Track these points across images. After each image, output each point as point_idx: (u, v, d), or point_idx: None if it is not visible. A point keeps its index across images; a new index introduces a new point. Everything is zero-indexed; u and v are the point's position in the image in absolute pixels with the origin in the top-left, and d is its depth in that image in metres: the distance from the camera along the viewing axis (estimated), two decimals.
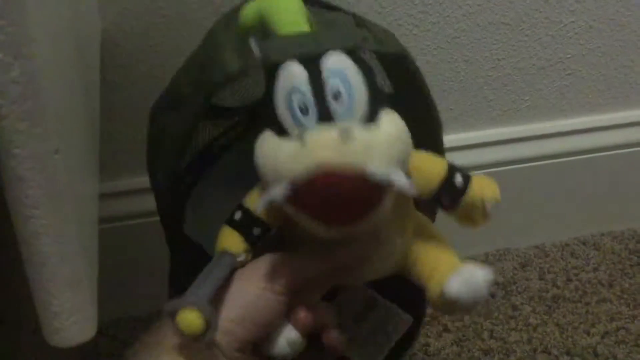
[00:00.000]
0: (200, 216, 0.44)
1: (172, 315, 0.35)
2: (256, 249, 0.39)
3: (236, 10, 0.40)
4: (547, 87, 0.74)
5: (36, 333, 0.32)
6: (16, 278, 0.37)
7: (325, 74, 0.34)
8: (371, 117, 0.34)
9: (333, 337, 0.40)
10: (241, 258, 0.38)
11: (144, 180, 0.65)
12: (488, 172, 0.72)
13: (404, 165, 0.35)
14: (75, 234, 0.31)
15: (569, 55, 0.72)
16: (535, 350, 0.66)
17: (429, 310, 0.56)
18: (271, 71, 0.35)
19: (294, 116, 0.34)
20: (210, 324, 0.34)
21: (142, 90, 0.61)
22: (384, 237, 0.38)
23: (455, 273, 0.37)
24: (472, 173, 0.38)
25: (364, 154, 0.33)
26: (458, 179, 0.38)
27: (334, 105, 0.33)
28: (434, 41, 0.67)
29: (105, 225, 0.62)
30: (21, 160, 0.27)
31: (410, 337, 0.48)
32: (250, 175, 0.38)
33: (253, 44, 0.35)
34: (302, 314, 0.38)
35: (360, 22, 0.40)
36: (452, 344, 0.66)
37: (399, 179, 0.33)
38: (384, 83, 0.42)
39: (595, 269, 0.77)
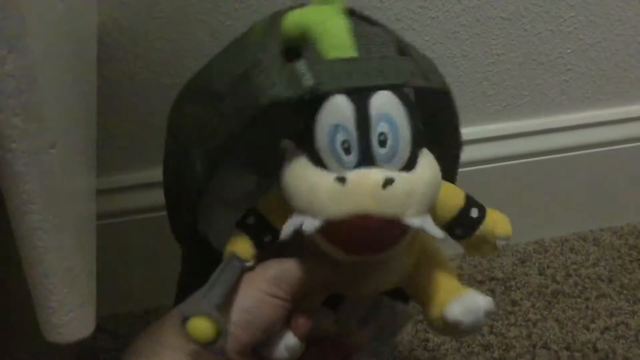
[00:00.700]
0: (205, 209, 0.43)
1: (184, 321, 0.35)
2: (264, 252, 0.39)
3: (279, 14, 0.38)
4: (546, 82, 0.74)
5: (33, 330, 0.32)
6: (12, 275, 0.37)
7: (373, 115, 0.34)
8: (411, 161, 0.35)
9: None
10: (249, 263, 0.38)
11: (141, 176, 0.65)
12: (487, 168, 0.73)
13: (432, 204, 0.36)
14: (72, 230, 0.31)
15: (568, 51, 0.72)
16: (534, 346, 0.66)
17: None
18: (316, 98, 0.34)
19: (334, 153, 0.34)
20: (221, 332, 0.34)
21: (139, 86, 0.60)
22: (391, 255, 0.39)
23: (456, 298, 0.38)
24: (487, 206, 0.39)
25: (402, 203, 0.33)
26: (474, 212, 0.38)
27: (378, 150, 0.34)
28: (433, 36, 0.67)
29: (103, 221, 0.62)
30: (17, 155, 0.27)
31: None
32: (258, 167, 0.38)
33: (304, 69, 0.34)
34: (301, 320, 0.38)
35: (402, 46, 0.39)
36: (451, 339, 0.66)
37: (431, 228, 0.34)
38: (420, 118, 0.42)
39: (594, 265, 0.77)
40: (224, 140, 0.36)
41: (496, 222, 0.39)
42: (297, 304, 0.38)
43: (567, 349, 0.66)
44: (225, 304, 0.36)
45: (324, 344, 0.42)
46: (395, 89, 0.35)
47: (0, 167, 0.27)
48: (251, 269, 0.38)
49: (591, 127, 0.77)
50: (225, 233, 0.39)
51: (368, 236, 0.34)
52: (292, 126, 0.36)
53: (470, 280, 0.74)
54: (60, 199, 0.29)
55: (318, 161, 0.34)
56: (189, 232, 0.42)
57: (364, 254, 0.36)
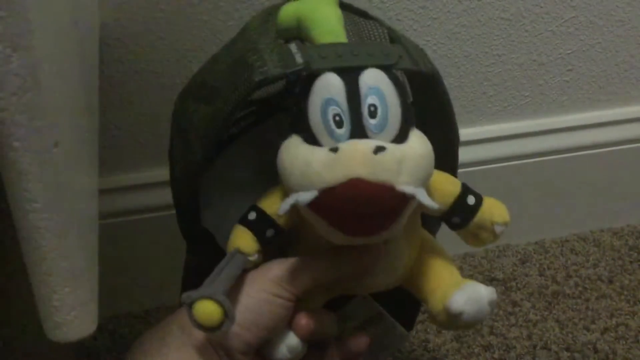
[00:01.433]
0: (208, 205, 0.44)
1: (189, 306, 0.34)
2: (267, 249, 0.39)
3: (274, 8, 0.40)
4: (547, 83, 0.74)
5: (33, 329, 0.32)
6: (13, 274, 0.37)
7: (363, 89, 0.35)
8: (402, 135, 0.35)
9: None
10: (253, 258, 0.38)
11: (143, 176, 0.65)
12: (488, 169, 0.73)
13: (426, 183, 0.36)
14: (75, 228, 0.31)
15: (569, 51, 0.72)
16: (535, 347, 0.66)
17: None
18: (307, 79, 0.35)
19: (327, 127, 0.35)
20: (227, 315, 0.34)
21: (140, 85, 0.60)
22: (391, 251, 0.39)
23: (459, 289, 0.38)
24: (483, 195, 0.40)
25: (394, 171, 0.33)
26: (470, 199, 0.39)
27: (368, 121, 0.34)
28: (434, 37, 0.67)
29: (105, 221, 0.62)
30: (21, 153, 0.27)
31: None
32: (259, 166, 0.38)
33: (295, 50, 0.35)
34: (304, 321, 0.39)
35: (394, 36, 0.40)
36: (451, 340, 0.66)
37: (424, 197, 0.34)
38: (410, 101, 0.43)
39: (595, 265, 0.77)
40: (222, 123, 0.37)
41: (493, 209, 0.39)
42: (299, 305, 0.39)
43: (568, 349, 0.66)
44: (229, 299, 0.36)
45: (325, 347, 0.42)
46: (384, 69, 0.35)
47: (3, 166, 0.27)
48: (256, 264, 0.38)
49: (592, 127, 0.77)
50: (233, 223, 0.40)
51: (361, 203, 0.33)
52: (289, 107, 0.37)
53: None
54: (63, 197, 0.29)
55: (312, 139, 0.35)
56: (193, 227, 0.43)
57: (362, 232, 0.35)
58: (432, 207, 0.34)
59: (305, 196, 0.33)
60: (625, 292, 0.73)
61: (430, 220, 0.43)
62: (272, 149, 0.37)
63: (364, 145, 0.33)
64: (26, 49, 0.25)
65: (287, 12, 0.38)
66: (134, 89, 0.60)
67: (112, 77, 0.59)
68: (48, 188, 0.28)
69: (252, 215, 0.39)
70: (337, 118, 0.34)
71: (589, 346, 0.66)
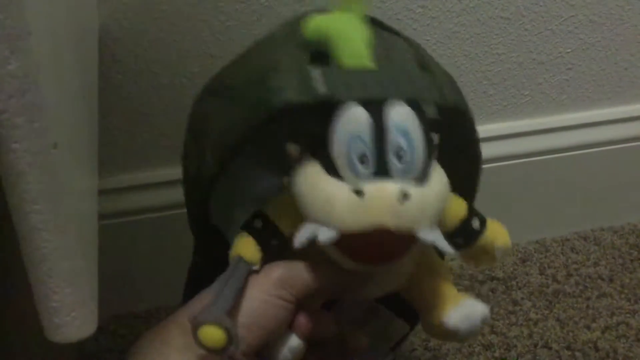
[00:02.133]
0: (221, 204, 0.44)
1: (194, 329, 0.35)
2: (270, 256, 0.39)
3: (299, 19, 0.39)
4: (547, 82, 0.74)
5: (33, 330, 0.32)
6: (12, 274, 0.37)
7: (389, 127, 0.34)
8: (424, 173, 0.35)
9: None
10: (256, 267, 0.38)
11: (143, 176, 0.65)
12: (488, 167, 0.73)
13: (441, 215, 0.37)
14: (74, 229, 0.31)
15: (569, 50, 0.72)
16: (535, 345, 0.66)
17: None
18: (332, 106, 0.34)
19: (350, 162, 0.34)
20: (231, 339, 0.35)
21: (140, 86, 0.60)
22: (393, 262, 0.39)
23: (457, 305, 0.39)
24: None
25: (417, 218, 0.34)
26: (475, 223, 0.39)
27: (393, 162, 0.34)
28: (433, 36, 0.67)
29: (104, 222, 0.62)
30: (19, 154, 0.26)
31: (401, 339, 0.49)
32: (279, 167, 0.38)
33: (317, 76, 0.34)
34: (304, 321, 0.39)
35: (422, 60, 0.39)
36: None
37: (442, 244, 0.35)
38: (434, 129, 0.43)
39: (595, 264, 0.77)
40: (237, 138, 0.36)
41: (496, 233, 0.39)
42: (298, 305, 0.39)
43: (568, 348, 0.66)
44: (233, 316, 0.36)
45: (324, 346, 0.42)
46: (410, 103, 0.35)
47: (2, 167, 0.27)
48: (257, 271, 0.38)
49: (592, 126, 0.77)
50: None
51: (382, 249, 0.34)
52: (309, 130, 0.37)
53: (471, 280, 0.74)
54: (62, 199, 0.29)
55: (332, 170, 0.35)
56: (201, 225, 0.43)
57: (372, 263, 0.36)
58: (448, 253, 0.35)
59: (325, 235, 0.34)
60: (626, 291, 0.73)
61: None
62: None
63: (389, 193, 0.33)
64: (24, 51, 0.25)
65: (314, 27, 0.37)
66: (134, 90, 0.60)
67: (112, 78, 0.59)
68: (47, 189, 0.28)
69: (258, 224, 0.38)
70: (362, 155, 0.34)
71: (590, 345, 0.66)
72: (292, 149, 0.37)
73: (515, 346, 0.66)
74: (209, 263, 0.39)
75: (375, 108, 0.34)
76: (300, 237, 0.35)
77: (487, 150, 0.74)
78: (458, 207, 0.40)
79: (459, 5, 0.66)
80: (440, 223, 0.37)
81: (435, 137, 0.41)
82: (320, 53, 0.37)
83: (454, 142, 0.40)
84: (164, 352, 0.37)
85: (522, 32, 0.69)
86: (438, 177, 0.36)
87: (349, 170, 0.34)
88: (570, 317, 0.70)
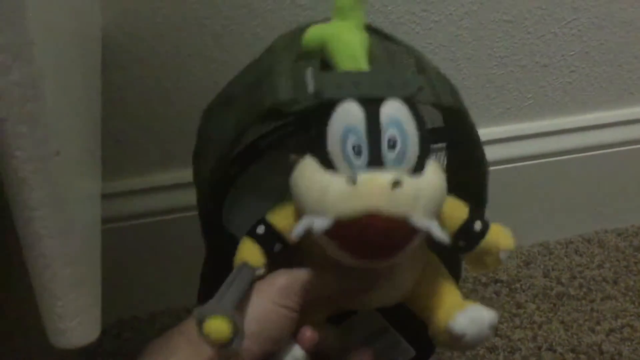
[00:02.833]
0: (238, 209, 0.44)
1: (199, 323, 0.35)
2: (274, 262, 0.39)
3: (301, 29, 0.40)
4: (550, 85, 0.74)
5: (36, 334, 0.32)
6: (14, 279, 0.37)
7: (383, 120, 0.35)
8: (418, 166, 0.36)
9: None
10: (260, 272, 0.38)
11: (146, 180, 0.65)
12: (492, 170, 0.73)
13: (438, 212, 0.37)
14: (78, 235, 0.31)
15: (572, 53, 0.72)
16: (540, 348, 0.66)
17: None
18: (326, 105, 0.35)
19: (345, 154, 0.35)
20: (237, 332, 0.35)
21: (143, 91, 0.61)
22: (397, 269, 0.40)
23: (462, 310, 0.38)
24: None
25: (410, 204, 0.34)
26: (477, 225, 0.39)
27: (387, 153, 0.35)
28: (436, 39, 0.67)
29: (108, 226, 0.62)
30: (22, 162, 0.27)
31: None
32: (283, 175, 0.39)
33: (308, 77, 0.36)
34: (309, 333, 0.39)
35: (421, 66, 0.40)
36: None
37: (437, 231, 0.35)
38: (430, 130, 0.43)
39: (599, 266, 0.77)
40: (234, 138, 0.38)
41: (499, 235, 0.39)
42: (303, 319, 0.39)
43: (573, 351, 0.66)
44: (237, 312, 0.36)
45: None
46: (404, 100, 0.36)
47: (5, 174, 0.27)
48: (262, 277, 0.38)
49: (595, 129, 0.77)
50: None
51: (376, 236, 0.34)
52: (308, 130, 0.38)
53: (475, 283, 0.74)
54: (65, 205, 0.30)
55: (328, 164, 0.35)
56: (212, 227, 0.43)
57: (371, 257, 0.36)
58: (444, 241, 0.35)
59: (320, 223, 0.34)
60: (630, 293, 0.73)
61: (436, 243, 0.44)
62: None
63: (382, 179, 0.34)
64: (27, 60, 0.25)
65: (312, 35, 0.38)
66: (136, 94, 0.61)
67: (115, 83, 0.59)
68: (50, 196, 0.28)
69: (261, 229, 0.39)
70: (356, 148, 0.35)
71: (594, 347, 0.66)
72: (292, 158, 0.38)
73: (520, 349, 0.66)
74: (221, 270, 0.40)
75: (369, 104, 0.35)
76: (297, 230, 0.35)
77: (490, 153, 0.74)
78: (459, 210, 0.40)
79: (462, 8, 0.66)
80: (440, 224, 0.38)
81: (442, 145, 0.41)
82: (324, 63, 0.38)
83: (458, 141, 0.41)
84: None
85: (525, 35, 0.69)
86: (434, 170, 0.36)
87: (344, 162, 0.35)
88: (574, 319, 0.69)
